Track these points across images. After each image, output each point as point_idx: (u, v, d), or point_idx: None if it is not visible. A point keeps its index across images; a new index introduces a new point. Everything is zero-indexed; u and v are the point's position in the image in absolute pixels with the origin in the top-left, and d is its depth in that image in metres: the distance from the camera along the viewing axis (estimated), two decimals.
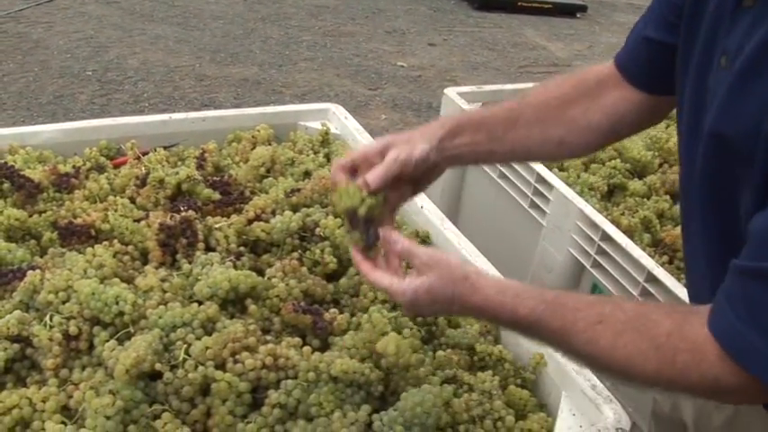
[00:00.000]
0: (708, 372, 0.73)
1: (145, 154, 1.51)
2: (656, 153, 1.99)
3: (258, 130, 1.63)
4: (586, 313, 0.82)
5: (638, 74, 1.07)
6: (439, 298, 0.90)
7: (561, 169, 1.92)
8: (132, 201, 1.35)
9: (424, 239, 1.37)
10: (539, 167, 1.76)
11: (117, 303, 1.00)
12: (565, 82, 1.13)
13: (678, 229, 1.70)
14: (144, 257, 1.21)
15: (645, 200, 1.83)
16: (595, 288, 1.59)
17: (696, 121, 0.87)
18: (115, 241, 1.20)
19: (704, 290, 0.90)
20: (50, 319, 1.00)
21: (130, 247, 1.20)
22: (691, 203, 0.93)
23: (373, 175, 0.99)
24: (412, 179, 1.05)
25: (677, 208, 1.79)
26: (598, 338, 0.80)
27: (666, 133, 2.05)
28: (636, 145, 1.97)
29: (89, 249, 1.14)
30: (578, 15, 7.89)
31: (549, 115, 1.10)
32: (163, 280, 1.10)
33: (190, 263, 1.16)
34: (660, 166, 1.99)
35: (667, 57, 0.97)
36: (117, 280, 1.08)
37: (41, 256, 1.19)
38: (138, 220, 1.26)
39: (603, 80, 1.10)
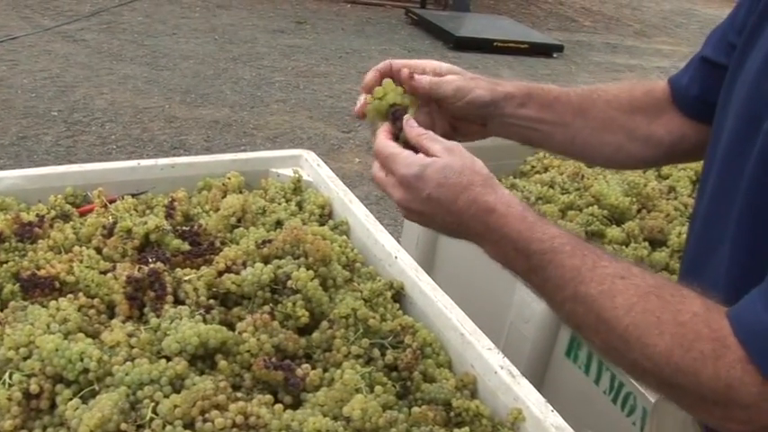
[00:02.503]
0: (723, 372, 0.66)
1: (112, 201, 1.51)
2: (634, 199, 2.02)
3: (229, 178, 1.64)
4: (610, 264, 0.74)
5: (686, 95, 1.05)
6: (450, 180, 0.82)
7: None
8: (99, 251, 1.34)
9: (399, 291, 1.38)
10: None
11: (81, 360, 0.99)
12: (635, 87, 1.11)
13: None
14: (110, 311, 1.20)
15: (623, 247, 1.86)
16: (573, 340, 1.61)
17: (751, 128, 0.82)
18: (80, 294, 1.19)
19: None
20: (10, 377, 0.99)
21: (96, 301, 1.19)
22: (722, 214, 0.86)
23: (420, 78, 0.95)
24: (452, 118, 1.00)
25: (656, 255, 1.82)
26: (615, 293, 0.72)
27: (644, 178, 2.10)
28: (613, 191, 2.01)
29: (53, 303, 1.14)
30: (555, 55, 8.06)
31: (617, 115, 1.07)
32: (130, 335, 1.09)
33: (158, 317, 1.16)
34: (638, 212, 2.02)
35: (718, 80, 0.95)
36: (82, 335, 1.07)
37: (2, 310, 1.18)
38: (104, 272, 1.26)
39: (666, 97, 1.09)
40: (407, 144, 0.95)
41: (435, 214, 0.90)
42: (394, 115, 0.97)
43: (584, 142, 1.07)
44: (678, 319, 0.68)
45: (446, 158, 0.83)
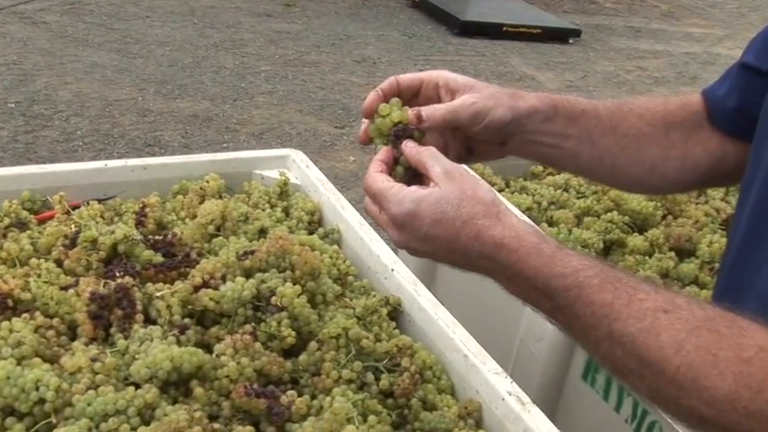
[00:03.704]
0: None
1: (76, 208, 1.50)
2: (659, 203, 2.01)
3: (207, 181, 1.64)
4: (649, 296, 0.72)
5: (723, 108, 1.03)
6: (447, 215, 0.80)
7: (550, 224, 1.94)
8: (59, 264, 1.33)
9: (395, 307, 1.37)
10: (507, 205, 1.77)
11: (37, 389, 0.98)
12: (669, 99, 1.10)
13: (686, 292, 1.72)
14: (72, 332, 1.19)
15: (647, 258, 1.86)
16: (591, 361, 1.60)
17: None
18: (37, 313, 1.18)
19: None
20: None
21: (56, 321, 1.18)
22: None
23: (432, 110, 0.94)
24: (467, 138, 0.99)
25: (684, 267, 1.81)
26: (659, 330, 0.69)
27: None
28: (635, 195, 2.00)
29: (5, 323, 1.12)
30: (571, 41, 8.07)
31: (650, 130, 1.06)
32: (93, 359, 1.08)
33: (126, 338, 1.15)
34: (663, 218, 2.01)
35: (760, 89, 0.94)
36: (38, 360, 1.06)
37: None
38: (65, 288, 1.25)
39: (702, 111, 1.07)
40: (408, 168, 0.95)
41: (437, 252, 0.90)
42: (396, 135, 0.96)
43: (613, 162, 1.06)
44: (741, 355, 0.65)
45: (443, 188, 0.82)
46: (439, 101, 0.98)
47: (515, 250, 0.78)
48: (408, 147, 0.92)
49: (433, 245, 0.87)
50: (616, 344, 0.72)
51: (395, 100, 1.01)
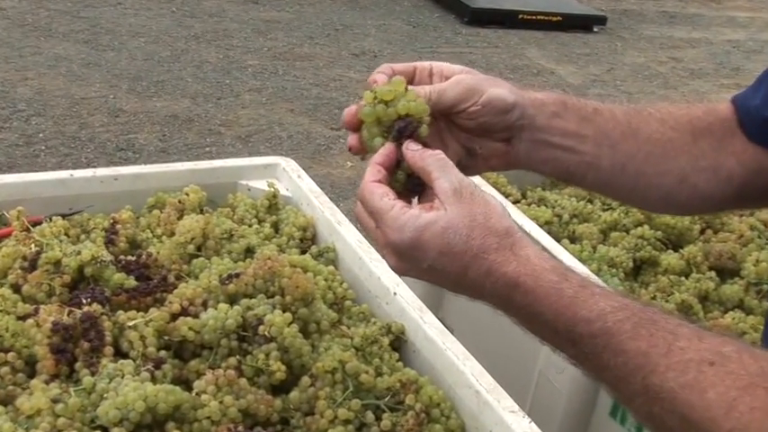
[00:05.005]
0: None
1: (36, 224, 1.50)
2: (696, 216, 2.00)
3: (187, 194, 1.63)
4: (691, 343, 0.70)
5: (756, 118, 1.03)
6: (455, 247, 0.79)
7: (572, 240, 1.93)
8: (16, 290, 1.33)
9: (398, 336, 1.37)
10: (542, 237, 1.76)
11: None
12: (693, 106, 1.08)
13: (729, 317, 1.71)
14: (30, 369, 1.19)
15: (682, 278, 1.85)
16: None
17: None
18: None
19: None
20: None
21: (11, 355, 1.18)
22: None
23: (420, 90, 0.93)
24: (467, 136, 0.97)
25: (726, 289, 1.80)
26: (705, 386, 0.67)
27: None
28: None
29: None
30: (595, 29, 8.08)
31: (676, 136, 1.04)
32: (55, 400, 1.07)
33: (93, 375, 1.14)
34: (702, 232, 2.01)
35: None
36: None
37: None
38: (23, 318, 1.24)
39: (732, 120, 1.06)
40: (411, 175, 0.92)
41: (441, 284, 0.89)
42: (400, 131, 0.93)
43: (637, 170, 1.03)
44: None
45: (450, 212, 0.80)
46: None
47: (532, 290, 0.76)
48: (411, 150, 0.90)
49: (437, 277, 0.87)
50: (653, 399, 0.70)
51: (398, 79, 0.96)
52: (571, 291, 0.75)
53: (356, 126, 1.00)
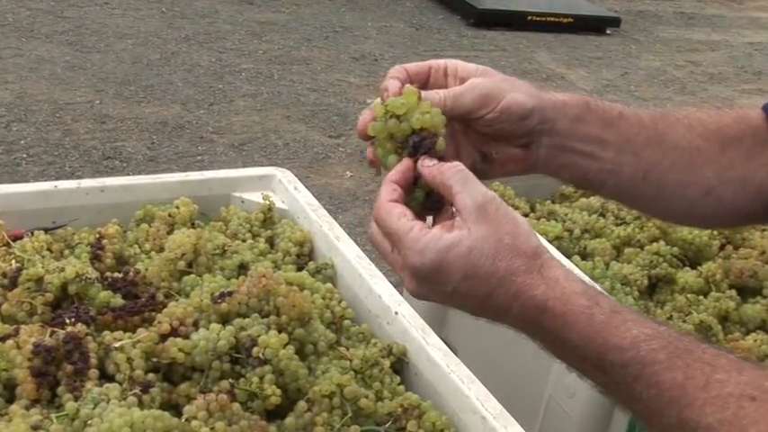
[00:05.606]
0: None
1: (17, 239, 1.50)
2: (715, 232, 2.00)
3: (177, 207, 1.64)
4: (731, 376, 0.69)
5: None
6: (481, 270, 0.79)
7: (584, 257, 1.93)
8: None
9: (400, 358, 1.37)
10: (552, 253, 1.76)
11: None
12: (723, 113, 1.08)
13: (750, 339, 1.70)
14: (9, 393, 1.19)
15: (701, 297, 1.85)
16: (635, 421, 1.59)
17: None
18: None
19: None
20: None
21: None
22: None
23: (430, 96, 0.92)
24: (482, 140, 0.97)
25: (748, 309, 1.80)
26: (745, 424, 0.67)
27: None
28: None
29: None
30: (608, 32, 8.08)
31: (703, 145, 1.04)
32: (35, 427, 1.07)
33: (76, 399, 1.14)
34: (722, 248, 2.00)
35: None
36: None
37: None
38: (2, 339, 1.24)
39: (764, 129, 1.06)
40: (430, 193, 0.91)
41: (463, 308, 0.89)
42: (415, 148, 0.91)
43: (661, 179, 1.03)
44: None
45: (474, 232, 0.79)
46: None
47: (561, 315, 0.77)
48: (426, 167, 0.89)
49: (460, 301, 0.87)
50: None
51: (410, 89, 0.95)
52: (602, 316, 0.75)
53: (369, 137, 0.99)
